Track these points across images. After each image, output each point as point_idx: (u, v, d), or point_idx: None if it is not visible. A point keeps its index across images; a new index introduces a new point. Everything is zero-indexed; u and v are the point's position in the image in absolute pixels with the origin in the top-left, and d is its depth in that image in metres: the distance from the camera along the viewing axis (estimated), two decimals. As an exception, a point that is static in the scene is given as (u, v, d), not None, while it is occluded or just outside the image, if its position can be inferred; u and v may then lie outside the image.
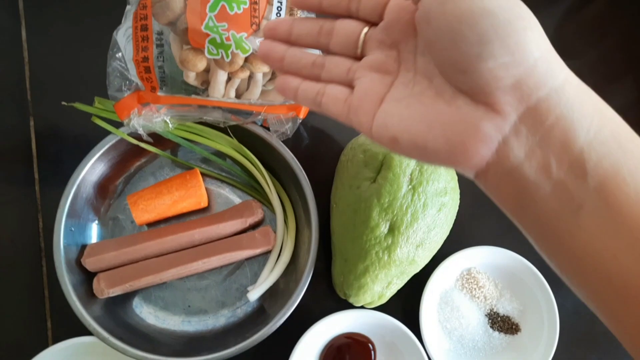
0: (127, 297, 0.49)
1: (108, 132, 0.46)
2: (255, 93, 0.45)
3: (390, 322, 0.47)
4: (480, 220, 0.52)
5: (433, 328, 0.49)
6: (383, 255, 0.44)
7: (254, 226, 0.50)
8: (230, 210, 0.50)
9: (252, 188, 0.51)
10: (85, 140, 0.47)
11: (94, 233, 0.50)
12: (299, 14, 0.42)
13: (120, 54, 0.43)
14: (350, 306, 0.48)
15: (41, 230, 0.51)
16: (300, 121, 0.47)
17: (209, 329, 0.49)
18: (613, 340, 0.26)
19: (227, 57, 0.41)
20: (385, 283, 0.46)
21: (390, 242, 0.43)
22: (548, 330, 0.48)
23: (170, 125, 0.45)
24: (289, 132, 0.46)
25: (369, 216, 0.43)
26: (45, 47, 0.54)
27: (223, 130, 0.47)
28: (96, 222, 0.50)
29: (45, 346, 0.47)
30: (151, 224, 0.51)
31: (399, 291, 0.48)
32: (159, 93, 0.44)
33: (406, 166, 0.43)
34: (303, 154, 0.49)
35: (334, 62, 0.28)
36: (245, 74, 0.43)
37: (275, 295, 0.49)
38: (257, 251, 0.48)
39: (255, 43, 0.41)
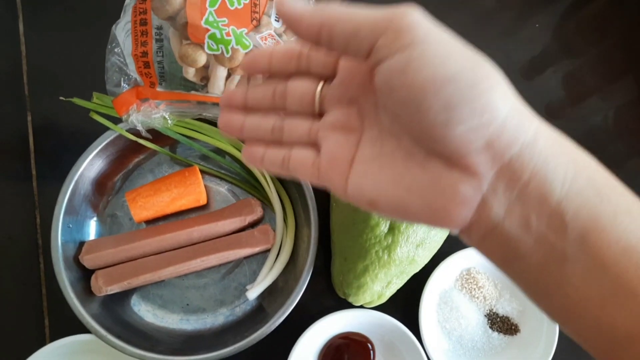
0: (125, 294, 0.49)
1: (106, 128, 0.46)
2: (255, 90, 0.45)
3: (390, 322, 0.47)
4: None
5: (432, 328, 0.49)
6: (383, 255, 0.44)
7: (253, 224, 0.50)
8: (229, 208, 0.49)
9: (252, 186, 0.51)
10: (83, 136, 0.46)
11: (92, 230, 0.50)
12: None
13: (119, 48, 0.43)
14: (349, 305, 0.48)
15: (39, 226, 0.51)
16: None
17: (207, 328, 0.49)
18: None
19: (227, 52, 0.41)
20: (384, 282, 0.46)
21: (390, 241, 0.43)
22: (547, 331, 0.48)
23: (169, 122, 0.45)
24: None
25: (369, 215, 0.43)
26: (43, 41, 0.53)
27: (222, 127, 0.47)
28: (94, 219, 0.50)
29: (42, 344, 0.46)
30: (149, 222, 0.50)
31: (398, 291, 0.48)
32: (158, 89, 0.44)
33: (407, 165, 0.43)
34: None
35: (293, 124, 0.26)
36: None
37: (274, 294, 0.48)
38: (256, 249, 0.48)
39: (255, 39, 0.40)
